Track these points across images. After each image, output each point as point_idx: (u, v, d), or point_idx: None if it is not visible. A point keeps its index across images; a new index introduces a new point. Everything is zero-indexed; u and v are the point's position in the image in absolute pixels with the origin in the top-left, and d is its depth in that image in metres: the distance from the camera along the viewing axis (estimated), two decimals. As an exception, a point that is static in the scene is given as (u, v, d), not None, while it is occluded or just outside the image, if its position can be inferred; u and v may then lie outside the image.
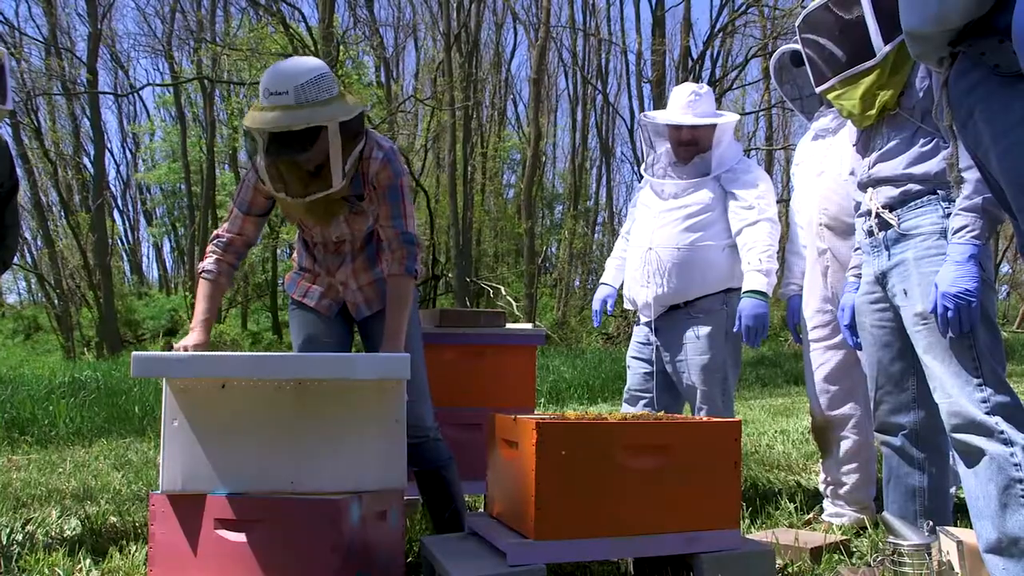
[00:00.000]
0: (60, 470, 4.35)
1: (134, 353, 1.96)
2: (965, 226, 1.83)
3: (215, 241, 2.40)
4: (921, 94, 2.03)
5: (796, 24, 2.28)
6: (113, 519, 2.97)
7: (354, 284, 2.48)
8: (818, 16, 2.16)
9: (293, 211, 2.37)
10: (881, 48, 2.01)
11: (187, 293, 24.32)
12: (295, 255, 2.63)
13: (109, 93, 23.89)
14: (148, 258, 33.77)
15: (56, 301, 22.07)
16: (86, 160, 23.77)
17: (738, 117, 3.11)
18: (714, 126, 2.94)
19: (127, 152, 31.26)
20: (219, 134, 24.22)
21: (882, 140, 2.13)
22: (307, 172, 2.23)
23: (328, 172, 2.20)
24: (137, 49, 41.04)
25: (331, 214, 2.35)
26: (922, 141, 2.05)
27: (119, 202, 30.52)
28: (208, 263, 2.36)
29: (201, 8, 23.28)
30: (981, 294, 1.83)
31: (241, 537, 1.93)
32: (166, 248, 32.41)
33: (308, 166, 2.21)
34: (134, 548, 2.42)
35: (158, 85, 25.93)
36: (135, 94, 27.94)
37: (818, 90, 2.22)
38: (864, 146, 2.20)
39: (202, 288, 2.34)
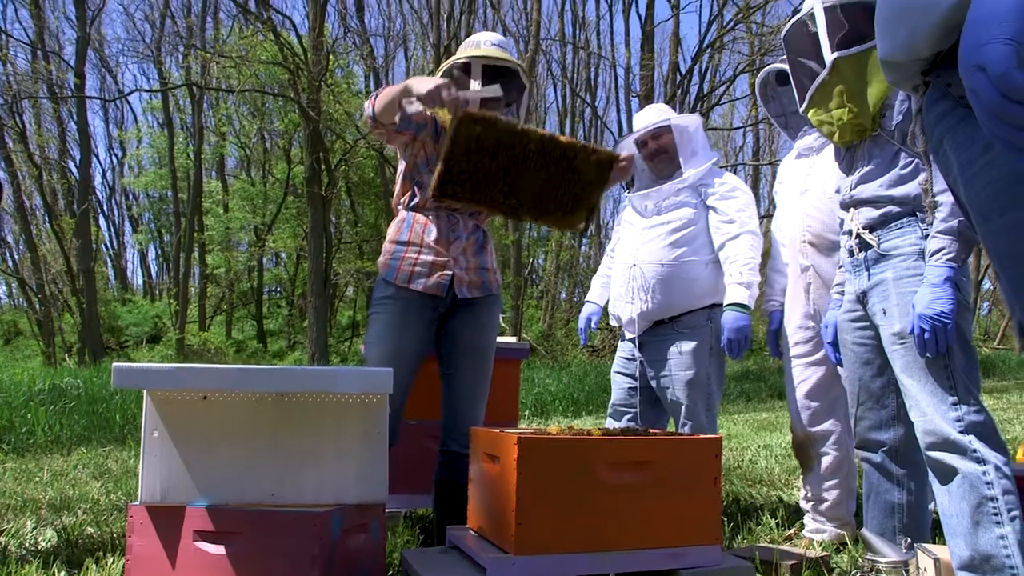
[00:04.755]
0: (37, 479, 4.30)
1: (115, 364, 1.95)
2: (941, 248, 1.86)
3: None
4: (900, 116, 2.06)
5: (782, 41, 2.31)
6: (90, 530, 2.94)
7: (463, 262, 2.53)
8: (795, 33, 2.19)
9: None
10: (829, 57, 2.04)
11: (171, 300, 24.19)
12: (389, 239, 2.59)
13: (97, 98, 23.84)
14: (133, 264, 33.60)
15: (38, 306, 21.89)
16: (72, 164, 23.64)
17: (698, 117, 3.12)
18: (671, 128, 2.97)
19: (113, 157, 31.13)
20: (207, 141, 24.14)
21: (863, 161, 2.16)
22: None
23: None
24: (126, 54, 40.93)
25: None
26: (902, 163, 2.07)
27: (104, 207, 30.40)
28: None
29: (191, 14, 23.26)
30: (957, 315, 1.86)
31: (220, 549, 1.92)
32: (151, 254, 32.26)
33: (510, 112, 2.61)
34: (111, 560, 2.40)
35: (146, 91, 25.92)
36: (123, 99, 27.84)
37: (800, 109, 2.24)
38: (848, 166, 2.22)
39: (393, 86, 2.33)
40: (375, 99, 2.37)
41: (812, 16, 2.10)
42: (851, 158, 2.21)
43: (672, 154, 3.00)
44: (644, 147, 3.04)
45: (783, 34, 2.26)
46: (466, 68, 2.53)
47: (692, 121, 3.02)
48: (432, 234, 2.50)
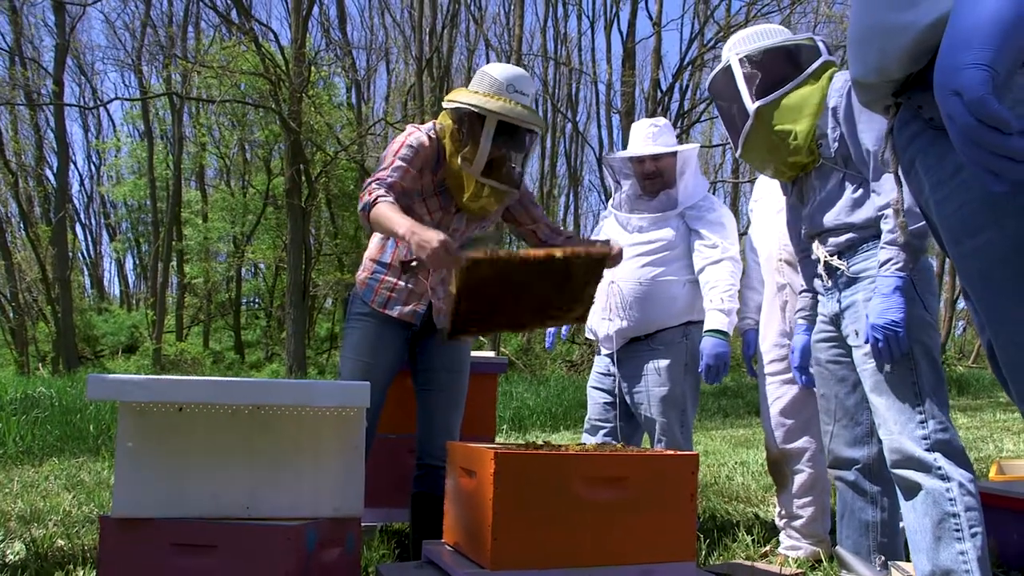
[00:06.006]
0: (7, 491, 4.23)
1: (89, 375, 1.93)
2: (890, 259, 1.92)
3: (374, 182, 2.30)
4: (836, 143, 2.10)
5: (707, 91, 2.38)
6: (61, 542, 2.89)
7: (441, 291, 2.55)
8: (718, 83, 2.27)
9: (471, 196, 2.43)
10: (751, 107, 2.10)
11: (148, 310, 23.95)
12: (370, 256, 2.59)
13: (75, 106, 23.60)
14: (110, 273, 33.25)
15: (11, 315, 21.56)
16: (49, 172, 23.37)
17: (699, 146, 3.17)
18: (676, 155, 2.99)
19: (92, 165, 30.86)
20: (186, 151, 23.96)
21: (814, 192, 2.21)
22: (509, 167, 2.49)
23: (519, 173, 2.53)
24: (105, 62, 40.65)
25: (490, 209, 2.50)
26: (851, 188, 2.12)
27: (82, 216, 30.08)
28: (380, 192, 2.26)
29: (172, 24, 23.14)
30: (923, 334, 1.90)
31: (194, 563, 1.90)
32: (129, 264, 31.95)
33: (514, 162, 2.50)
34: (81, 573, 2.36)
35: (126, 99, 25.71)
36: (102, 108, 27.61)
37: (737, 155, 2.29)
38: (799, 198, 2.27)
39: (391, 207, 2.22)
40: (367, 214, 2.25)
41: (729, 69, 2.16)
42: (800, 191, 2.26)
43: (667, 179, 3.02)
44: (641, 164, 3.03)
45: (708, 85, 2.32)
46: (480, 116, 2.36)
47: (695, 151, 3.05)
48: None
